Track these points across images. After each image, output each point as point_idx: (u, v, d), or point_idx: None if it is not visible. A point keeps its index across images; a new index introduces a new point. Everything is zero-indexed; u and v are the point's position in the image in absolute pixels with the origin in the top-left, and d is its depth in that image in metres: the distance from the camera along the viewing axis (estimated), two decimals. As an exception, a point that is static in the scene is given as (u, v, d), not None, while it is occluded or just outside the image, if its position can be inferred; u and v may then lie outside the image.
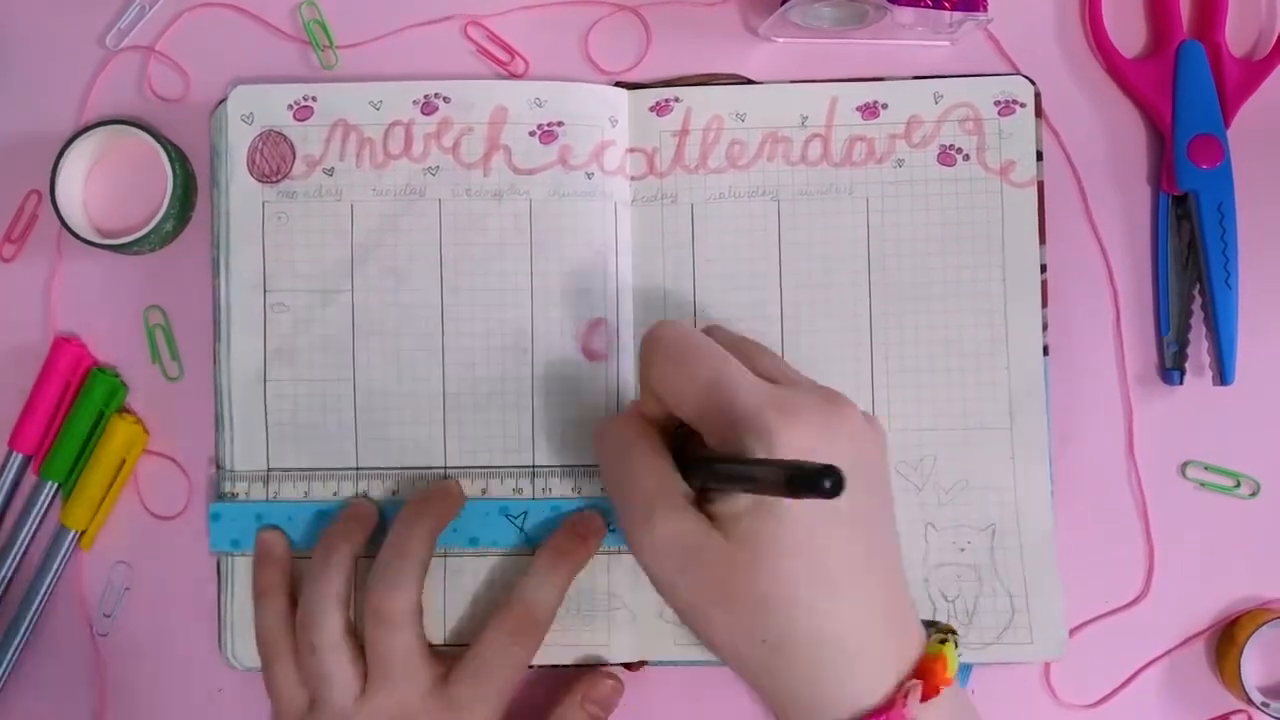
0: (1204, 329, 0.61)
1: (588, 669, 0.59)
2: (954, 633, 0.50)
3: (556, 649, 0.59)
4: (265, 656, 0.57)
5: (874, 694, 0.47)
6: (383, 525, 0.58)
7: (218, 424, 0.60)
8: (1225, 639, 0.61)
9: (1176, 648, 0.61)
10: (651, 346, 0.51)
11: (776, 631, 0.47)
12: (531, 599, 0.56)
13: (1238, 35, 0.63)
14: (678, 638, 0.60)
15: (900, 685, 0.47)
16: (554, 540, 0.58)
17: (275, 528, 0.59)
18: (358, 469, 0.60)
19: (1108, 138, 0.63)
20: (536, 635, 0.56)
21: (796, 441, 0.46)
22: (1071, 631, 0.61)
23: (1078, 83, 0.63)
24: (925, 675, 0.47)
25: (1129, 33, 0.63)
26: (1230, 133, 0.61)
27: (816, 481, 0.41)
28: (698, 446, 0.51)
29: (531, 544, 0.59)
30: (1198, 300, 0.61)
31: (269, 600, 0.58)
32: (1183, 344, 0.62)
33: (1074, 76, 0.63)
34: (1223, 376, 0.61)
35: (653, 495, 0.49)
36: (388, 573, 0.55)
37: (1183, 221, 0.62)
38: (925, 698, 0.47)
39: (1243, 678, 0.59)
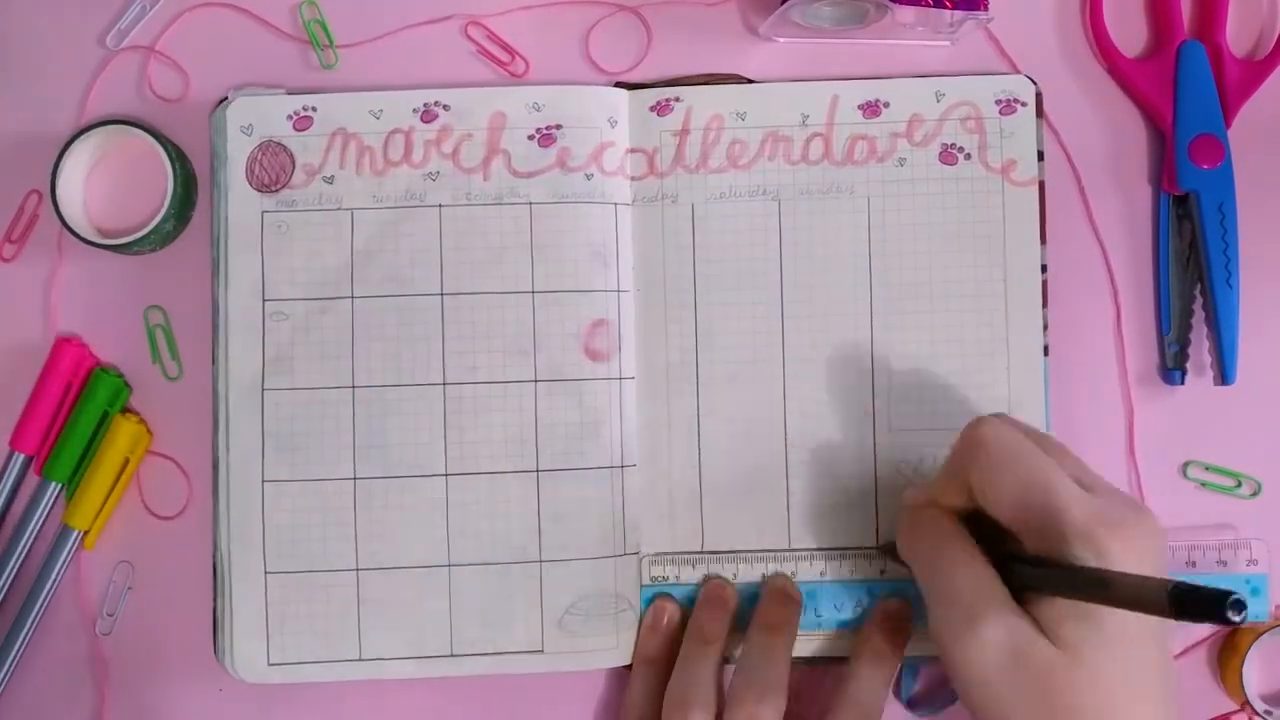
0: (1205, 329, 0.61)
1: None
2: None
3: (566, 656, 0.59)
4: (678, 708, 0.56)
5: None
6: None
7: (215, 429, 0.60)
8: (1227, 646, 0.61)
9: (1178, 656, 0.61)
10: (975, 444, 0.50)
11: None
12: (863, 698, 0.57)
13: (1238, 35, 0.63)
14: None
15: None
16: (870, 640, 0.58)
17: (672, 597, 0.60)
18: (355, 478, 0.60)
19: (1108, 138, 0.63)
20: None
21: (1123, 556, 0.47)
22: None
23: (1078, 82, 0.62)
24: None
25: (1130, 33, 0.63)
26: (1231, 133, 0.61)
27: (1216, 607, 0.39)
28: (998, 543, 0.51)
29: None
30: (1198, 300, 0.61)
31: (649, 669, 0.59)
32: (1184, 344, 0.62)
33: (1074, 76, 0.62)
34: (1224, 376, 0.61)
35: (980, 596, 0.49)
36: (758, 678, 0.56)
37: (1183, 221, 0.62)
38: None
39: (1245, 685, 0.59)
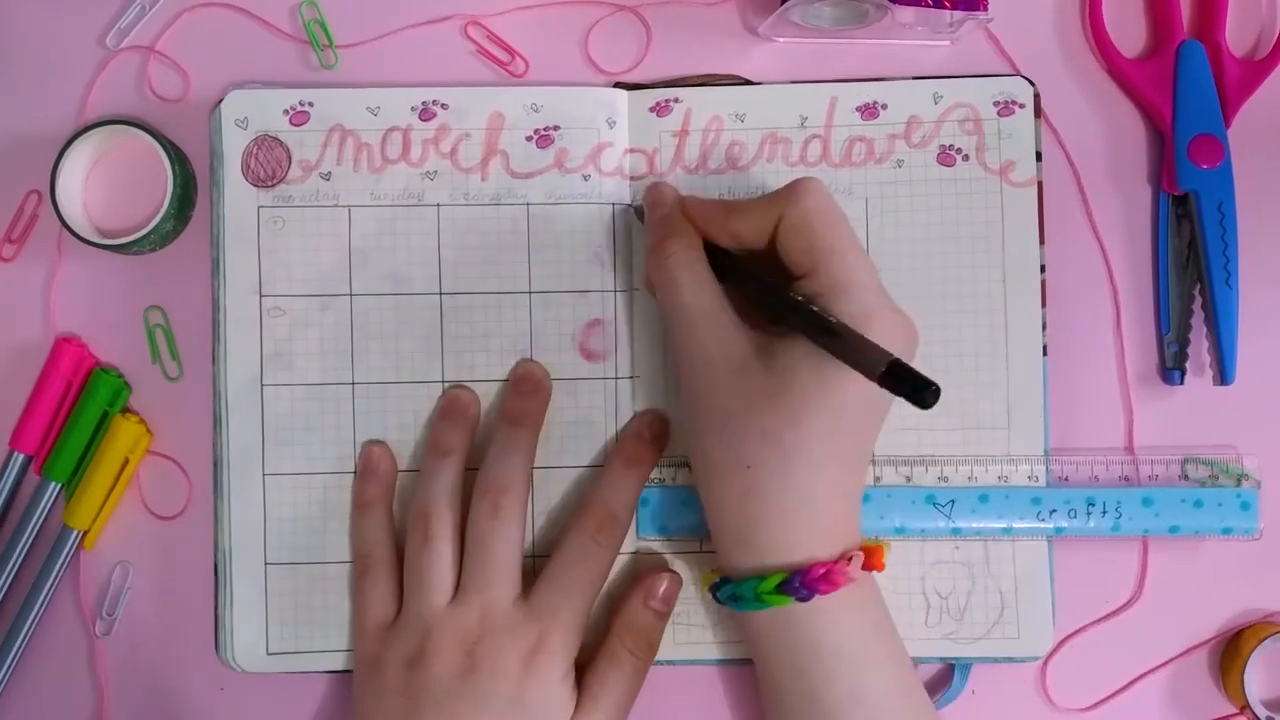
0: (1204, 329, 0.61)
1: (645, 573, 0.59)
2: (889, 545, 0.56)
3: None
4: (361, 566, 0.59)
5: (821, 551, 0.52)
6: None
7: (215, 425, 0.60)
8: (1229, 651, 0.61)
9: (1178, 657, 0.61)
10: (803, 193, 0.53)
11: (769, 466, 0.51)
12: (610, 496, 0.58)
13: (1238, 35, 0.63)
14: (678, 637, 0.60)
15: (845, 552, 0.52)
16: (623, 446, 0.59)
17: (381, 442, 0.60)
18: (355, 472, 0.60)
19: (1108, 138, 0.62)
20: (617, 533, 0.58)
21: (877, 338, 0.50)
22: (1069, 635, 0.61)
23: (1078, 82, 0.62)
24: (866, 553, 0.53)
25: (1129, 32, 0.63)
26: (1230, 132, 0.61)
27: (920, 388, 0.46)
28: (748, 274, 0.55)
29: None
30: (1198, 300, 0.61)
31: (372, 511, 0.59)
32: (1183, 344, 0.61)
33: (1074, 76, 0.62)
34: (1223, 376, 0.61)
35: (706, 307, 0.54)
36: (499, 469, 0.57)
37: (1183, 221, 0.62)
38: (864, 569, 0.53)
39: (1246, 689, 0.59)
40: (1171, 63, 0.61)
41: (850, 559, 0.52)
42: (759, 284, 0.55)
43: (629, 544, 0.60)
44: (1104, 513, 0.59)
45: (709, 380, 0.53)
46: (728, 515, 0.53)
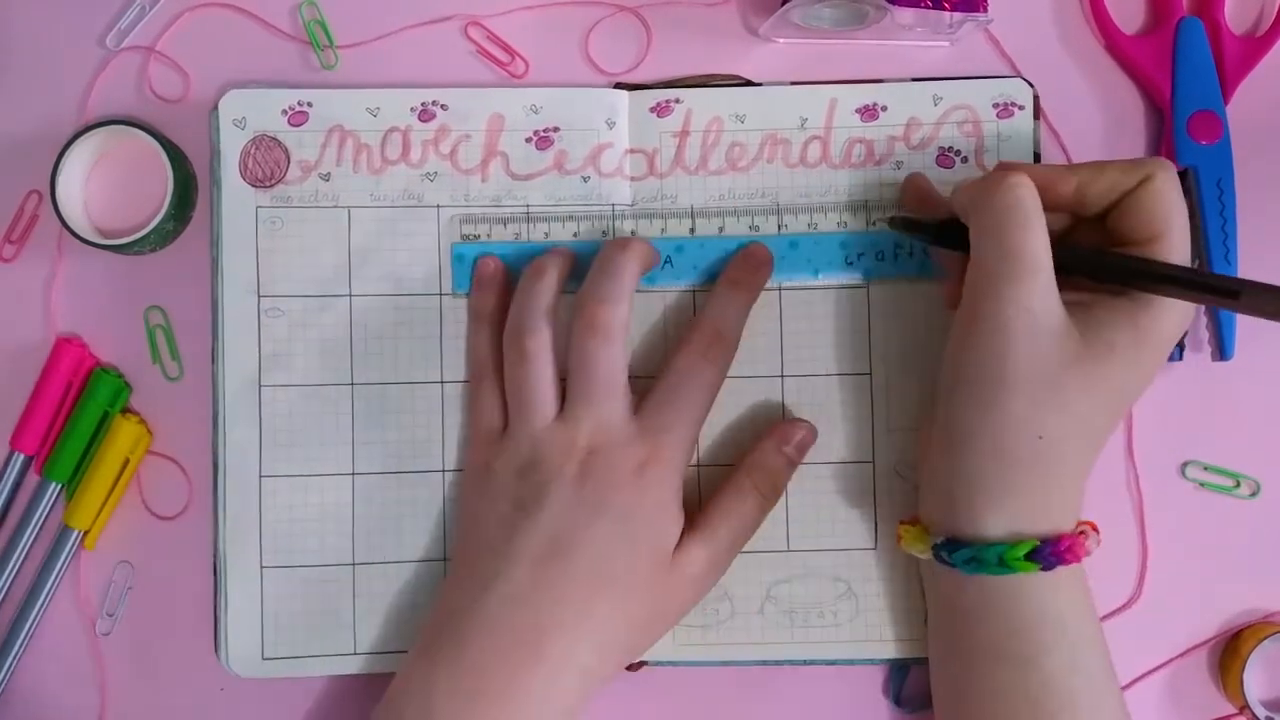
0: (1203, 305, 0.61)
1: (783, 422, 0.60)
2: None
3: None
4: (474, 375, 0.59)
5: (1066, 523, 0.53)
6: (579, 271, 0.59)
7: (214, 425, 0.60)
8: (1229, 651, 0.61)
9: (1178, 657, 0.61)
10: (1155, 166, 0.53)
11: (1061, 435, 0.51)
12: (719, 317, 0.58)
13: (1237, 12, 0.63)
14: (679, 638, 0.60)
15: (1078, 526, 0.53)
16: (730, 272, 0.60)
17: (495, 256, 0.60)
18: (353, 473, 0.60)
19: (1107, 115, 0.62)
20: (727, 353, 0.58)
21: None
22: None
23: (1076, 58, 0.62)
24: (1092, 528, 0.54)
25: (1128, 9, 0.63)
26: (1229, 109, 0.61)
27: (1273, 298, 0.47)
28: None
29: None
30: (1196, 276, 0.61)
31: (484, 323, 0.60)
32: (1182, 319, 0.62)
33: (1072, 51, 0.62)
34: (1222, 352, 0.61)
35: (1042, 258, 0.51)
36: (601, 288, 0.56)
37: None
38: (1089, 549, 0.53)
39: (1245, 690, 0.59)
40: (1170, 39, 0.61)
41: (1085, 534, 0.52)
42: (1093, 251, 0.54)
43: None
44: (911, 253, 0.60)
45: (1022, 337, 0.51)
46: (987, 480, 0.52)
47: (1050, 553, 0.51)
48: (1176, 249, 0.52)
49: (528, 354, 0.56)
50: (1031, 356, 0.51)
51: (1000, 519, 0.52)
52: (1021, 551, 0.51)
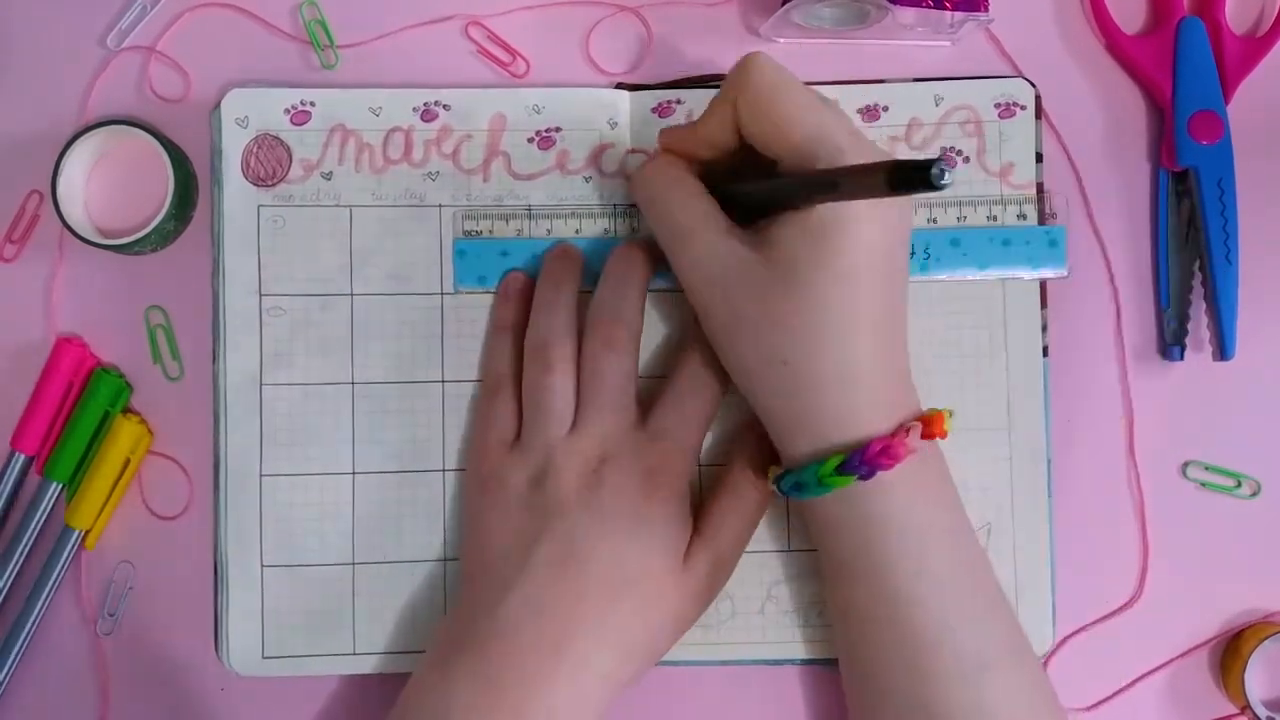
0: (1204, 305, 0.61)
1: None
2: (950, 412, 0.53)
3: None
4: (491, 385, 0.59)
5: (878, 426, 0.51)
6: (587, 270, 0.60)
7: (215, 424, 0.60)
8: (1230, 651, 0.61)
9: (1178, 657, 0.61)
10: (749, 68, 0.52)
11: (801, 353, 0.51)
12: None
13: (1238, 12, 0.63)
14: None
15: (902, 424, 0.51)
16: None
17: (523, 273, 0.60)
18: (354, 473, 0.60)
19: (1107, 114, 0.63)
20: None
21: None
22: (1069, 634, 0.61)
23: (1077, 58, 0.62)
24: (924, 423, 0.52)
25: (1129, 9, 0.63)
26: (1230, 109, 0.61)
27: (923, 172, 0.41)
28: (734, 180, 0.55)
29: None
30: (1197, 276, 0.61)
31: (506, 334, 0.60)
32: (1183, 320, 0.62)
33: (1072, 51, 0.62)
34: (1223, 351, 0.61)
35: (694, 221, 0.54)
36: (613, 304, 0.58)
37: (1183, 198, 0.62)
38: (924, 438, 0.51)
39: (1246, 690, 0.59)
40: (1171, 39, 0.61)
41: (909, 430, 0.51)
42: (742, 186, 0.54)
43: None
44: (911, 254, 0.60)
45: (718, 291, 0.53)
46: (778, 411, 0.53)
47: (861, 460, 0.50)
48: (803, 137, 0.51)
49: (553, 365, 0.57)
50: (727, 300, 0.53)
51: (806, 440, 0.52)
52: (830, 467, 0.51)
